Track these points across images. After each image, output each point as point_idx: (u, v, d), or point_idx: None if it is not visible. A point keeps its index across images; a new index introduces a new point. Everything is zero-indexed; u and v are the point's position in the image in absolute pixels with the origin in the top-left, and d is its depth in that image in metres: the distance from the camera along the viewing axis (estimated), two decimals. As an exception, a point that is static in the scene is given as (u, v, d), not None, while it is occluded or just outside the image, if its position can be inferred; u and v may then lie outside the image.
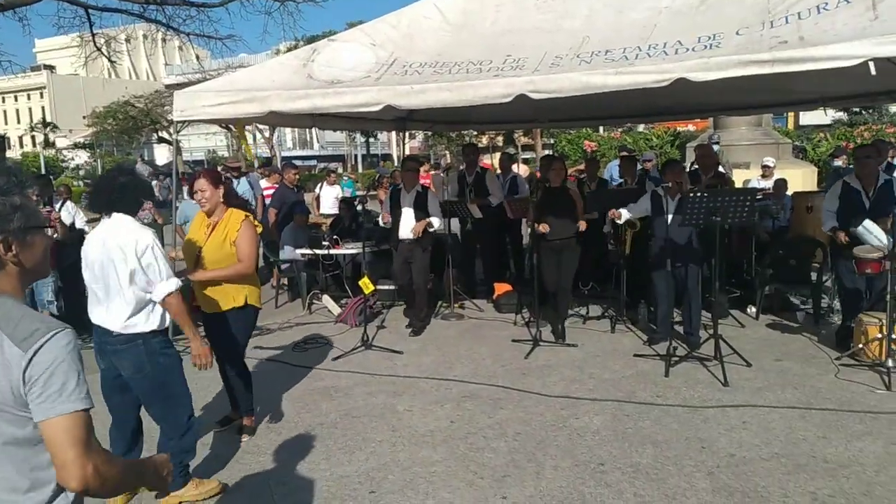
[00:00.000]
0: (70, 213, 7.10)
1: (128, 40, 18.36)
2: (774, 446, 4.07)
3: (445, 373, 5.64)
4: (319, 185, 12.69)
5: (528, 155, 34.06)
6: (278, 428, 4.65)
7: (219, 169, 9.74)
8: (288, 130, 59.92)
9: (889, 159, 8.03)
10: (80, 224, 7.12)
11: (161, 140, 39.79)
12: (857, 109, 30.40)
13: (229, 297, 4.22)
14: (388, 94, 4.96)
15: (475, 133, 31.37)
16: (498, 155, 15.68)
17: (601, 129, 28.62)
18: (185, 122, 6.14)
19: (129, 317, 3.33)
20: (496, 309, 7.68)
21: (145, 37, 17.08)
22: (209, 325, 4.30)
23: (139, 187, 3.49)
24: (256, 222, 4.42)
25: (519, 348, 6.18)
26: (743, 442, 4.14)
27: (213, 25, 16.73)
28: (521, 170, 12.28)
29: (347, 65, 5.62)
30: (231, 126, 31.12)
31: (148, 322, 3.39)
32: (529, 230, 6.64)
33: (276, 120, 6.88)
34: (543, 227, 6.14)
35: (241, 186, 9.22)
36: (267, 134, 39.01)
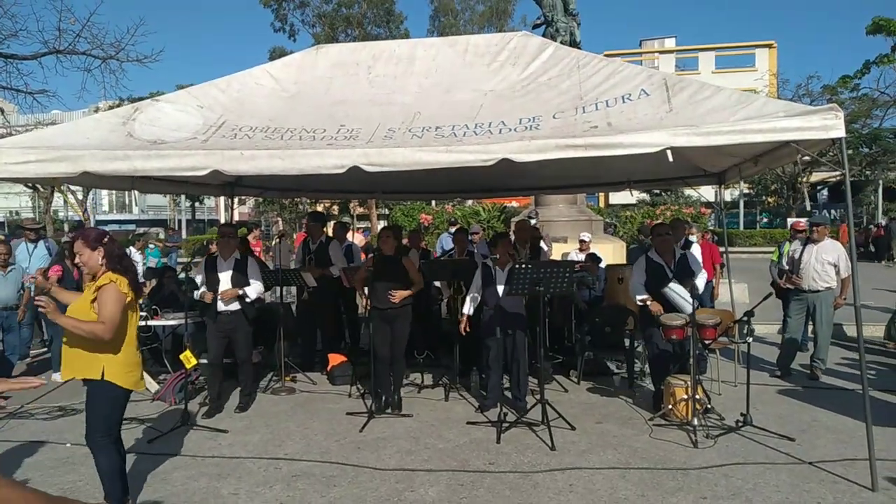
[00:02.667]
0: None
1: (-84, 85, 16.41)
2: (599, 507, 4.24)
3: (275, 451, 5.34)
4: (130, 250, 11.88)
5: (363, 224, 34.29)
6: (79, 524, 4.10)
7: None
8: (105, 192, 55.88)
9: (686, 236, 8.97)
10: None
11: (-45, 199, 35.41)
12: (658, 191, 34.01)
13: (85, 365, 3.87)
14: (216, 158, 4.74)
15: (309, 201, 31.06)
16: (332, 224, 15.65)
17: (433, 202, 29.59)
18: (-19, 180, 5.49)
19: None
20: (330, 381, 7.47)
21: (-61, 85, 15.28)
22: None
23: None
24: (126, 290, 3.94)
25: (353, 421, 6.02)
26: (570, 505, 4.28)
27: (23, 79, 15.37)
28: (356, 238, 12.31)
29: (172, 125, 5.35)
30: (38, 185, 28.52)
31: None
32: (365, 299, 6.58)
33: (91, 181, 6.31)
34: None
35: (39, 251, 8.38)
36: (80, 196, 36.07)
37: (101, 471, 4.02)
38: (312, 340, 8.28)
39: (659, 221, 8.28)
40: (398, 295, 6.20)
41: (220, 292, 6.28)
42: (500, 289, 6.13)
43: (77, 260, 3.98)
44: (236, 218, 10.63)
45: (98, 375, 3.85)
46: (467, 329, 6.33)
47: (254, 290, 6.45)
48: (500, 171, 4.94)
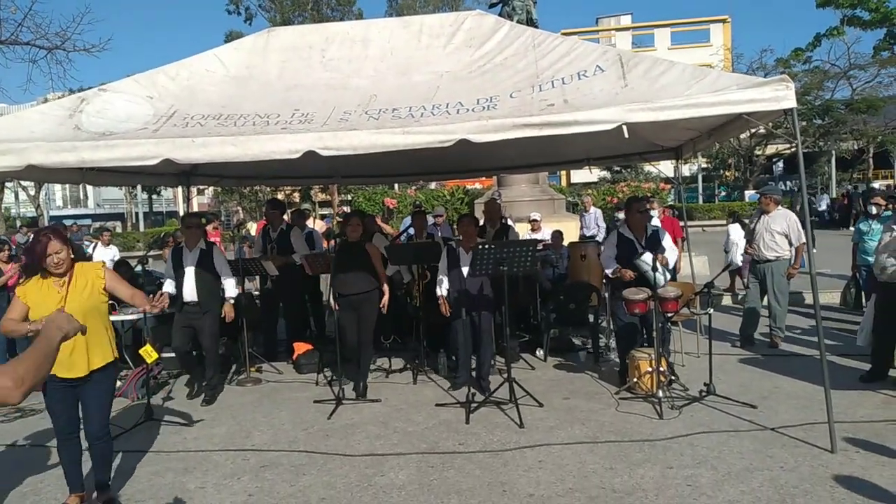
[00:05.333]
0: None
1: None
2: (568, 482, 4.27)
3: (242, 443, 5.27)
4: (93, 245, 11.56)
5: (325, 211, 33.97)
6: (42, 527, 4.01)
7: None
8: (58, 187, 54.42)
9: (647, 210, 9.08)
10: None
11: None
12: (618, 168, 34.33)
13: (107, 350, 3.97)
14: (167, 147, 4.61)
15: (269, 188, 30.66)
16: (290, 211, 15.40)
17: (396, 186, 29.44)
18: (-81, 177, 5.26)
19: None
20: (296, 370, 7.40)
21: None
22: (83, 391, 3.95)
23: None
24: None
25: (321, 409, 5.98)
26: (540, 481, 4.30)
27: (-36, 72, 14.92)
28: (316, 225, 12.16)
29: (121, 116, 5.18)
30: (-15, 183, 27.67)
31: None
32: (329, 286, 6.52)
33: (38, 175, 6.12)
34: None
35: None
36: (32, 191, 35.07)
37: (107, 460, 4.17)
38: (275, 330, 8.19)
39: (634, 196, 8.28)
40: (383, 304, 6.36)
41: (226, 317, 6.39)
42: (465, 270, 6.12)
43: (57, 259, 3.83)
44: (195, 208, 10.41)
45: (112, 356, 4.02)
46: (448, 311, 6.31)
47: (231, 287, 6.50)
48: (460, 151, 4.91)
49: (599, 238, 12.03)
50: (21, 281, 3.95)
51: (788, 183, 34.09)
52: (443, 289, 6.37)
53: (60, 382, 3.84)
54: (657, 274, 5.84)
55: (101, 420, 4.02)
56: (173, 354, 7.26)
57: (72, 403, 3.96)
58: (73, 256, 3.96)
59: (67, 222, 20.40)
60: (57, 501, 4.31)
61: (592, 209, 13.47)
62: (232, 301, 6.44)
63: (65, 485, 4.44)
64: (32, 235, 4.14)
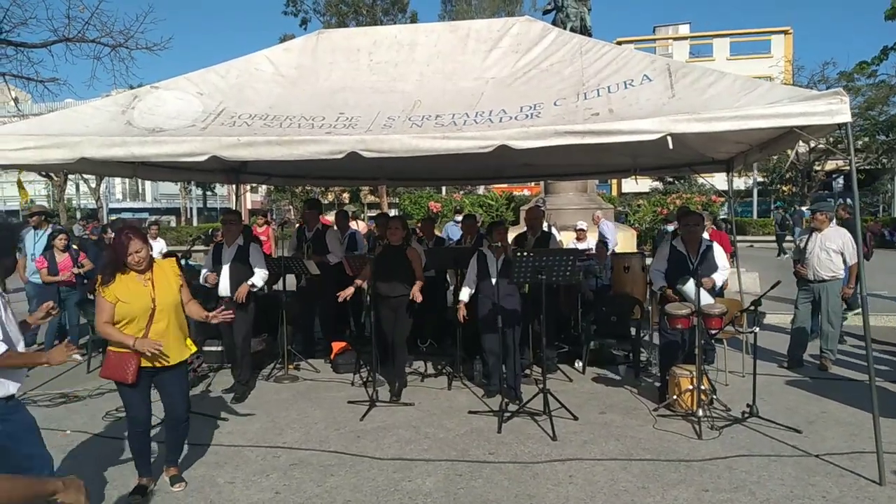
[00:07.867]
0: None
1: (-75, 74, 16.56)
2: (598, 499, 4.18)
3: (274, 439, 5.32)
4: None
5: (374, 213, 34.29)
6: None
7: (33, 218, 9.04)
8: (118, 181, 56.25)
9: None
10: None
11: (-35, 188, 35.76)
12: (671, 179, 33.74)
13: (183, 349, 4.28)
14: (213, 144, 4.71)
15: (321, 189, 31.16)
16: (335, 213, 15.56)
17: (443, 190, 29.51)
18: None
19: None
20: (333, 369, 7.46)
21: (-49, 73, 15.49)
22: (163, 380, 4.27)
23: None
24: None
25: (354, 410, 6.00)
26: (569, 496, 4.22)
27: (33, 67, 15.53)
28: (359, 226, 12.26)
29: (171, 113, 5.31)
30: (52, 174, 28.77)
31: None
32: (368, 287, 6.53)
33: (90, 168, 6.33)
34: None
35: (44, 238, 8.56)
36: (93, 184, 36.35)
37: (183, 440, 4.55)
38: (310, 328, 8.25)
39: (689, 209, 8.04)
40: (416, 294, 6.22)
41: (236, 295, 6.31)
42: (496, 277, 6.06)
43: (138, 257, 4.01)
44: (248, 205, 10.61)
45: (188, 353, 4.34)
46: (465, 317, 6.28)
47: (259, 277, 6.45)
48: (506, 157, 4.88)
49: (610, 244, 11.54)
50: (102, 281, 4.04)
51: (848, 199, 32.95)
52: (465, 294, 6.33)
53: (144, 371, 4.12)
54: (702, 297, 5.65)
55: (186, 405, 4.43)
56: (213, 348, 7.40)
57: (170, 390, 4.33)
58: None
59: (127, 215, 21.06)
60: (96, 488, 4.41)
61: (601, 222, 12.83)
62: (250, 286, 6.36)
63: (104, 472, 4.59)
64: (114, 234, 4.35)
